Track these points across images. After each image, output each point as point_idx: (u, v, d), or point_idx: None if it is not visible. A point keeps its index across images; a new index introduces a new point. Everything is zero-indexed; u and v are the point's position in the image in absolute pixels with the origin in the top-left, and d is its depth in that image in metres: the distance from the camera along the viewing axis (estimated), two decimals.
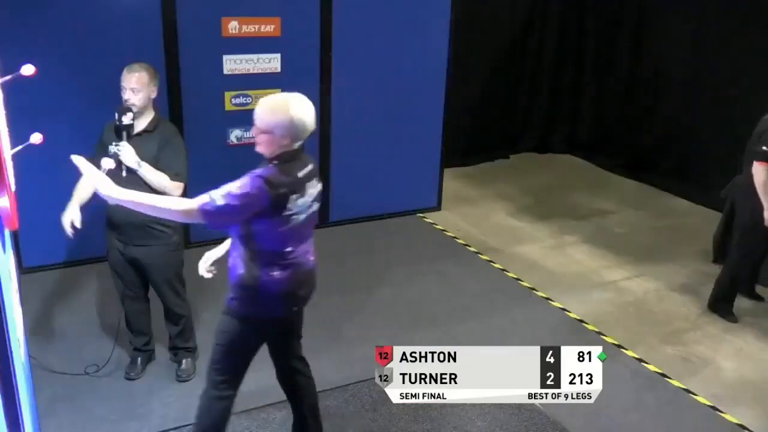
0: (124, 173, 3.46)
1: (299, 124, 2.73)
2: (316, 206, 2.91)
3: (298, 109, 2.74)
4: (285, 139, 2.74)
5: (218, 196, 2.64)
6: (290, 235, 2.80)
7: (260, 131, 2.75)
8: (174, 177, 3.54)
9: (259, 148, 2.79)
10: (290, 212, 2.74)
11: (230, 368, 3.01)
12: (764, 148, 4.23)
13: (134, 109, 3.48)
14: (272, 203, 2.67)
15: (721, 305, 4.82)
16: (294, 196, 2.73)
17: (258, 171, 2.71)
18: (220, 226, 2.77)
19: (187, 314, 3.92)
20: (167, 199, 2.93)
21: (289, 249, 2.83)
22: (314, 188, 2.87)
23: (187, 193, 5.32)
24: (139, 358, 3.94)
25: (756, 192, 4.32)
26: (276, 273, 2.82)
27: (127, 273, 3.74)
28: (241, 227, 2.75)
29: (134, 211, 3.47)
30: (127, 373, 3.90)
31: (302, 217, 2.80)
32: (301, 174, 2.79)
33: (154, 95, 3.57)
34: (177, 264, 3.77)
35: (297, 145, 2.78)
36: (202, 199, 2.65)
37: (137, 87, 3.47)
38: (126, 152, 3.43)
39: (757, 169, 4.29)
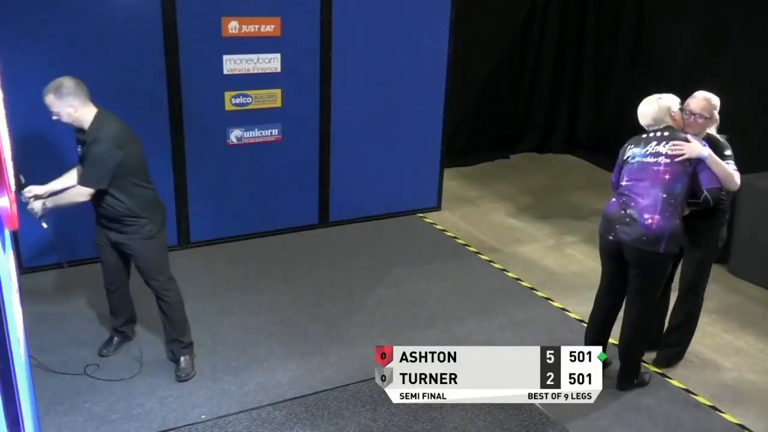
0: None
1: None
2: (653, 160, 3.70)
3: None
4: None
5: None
6: (625, 171, 3.81)
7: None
8: (83, 183, 3.62)
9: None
10: (625, 156, 3.85)
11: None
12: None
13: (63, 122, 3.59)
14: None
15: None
16: (629, 146, 3.86)
17: None
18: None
19: (176, 300, 3.94)
20: None
21: (623, 182, 3.81)
22: (659, 147, 3.70)
23: (186, 193, 5.36)
24: (115, 338, 4.14)
25: None
26: (611, 198, 3.92)
27: (111, 256, 3.90)
28: None
29: (104, 206, 3.65)
30: (100, 351, 4.08)
31: (635, 163, 3.77)
32: (648, 135, 3.81)
33: (73, 107, 3.53)
34: (156, 249, 3.82)
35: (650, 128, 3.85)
36: None
37: (51, 110, 3.54)
38: (35, 206, 3.61)
39: None
